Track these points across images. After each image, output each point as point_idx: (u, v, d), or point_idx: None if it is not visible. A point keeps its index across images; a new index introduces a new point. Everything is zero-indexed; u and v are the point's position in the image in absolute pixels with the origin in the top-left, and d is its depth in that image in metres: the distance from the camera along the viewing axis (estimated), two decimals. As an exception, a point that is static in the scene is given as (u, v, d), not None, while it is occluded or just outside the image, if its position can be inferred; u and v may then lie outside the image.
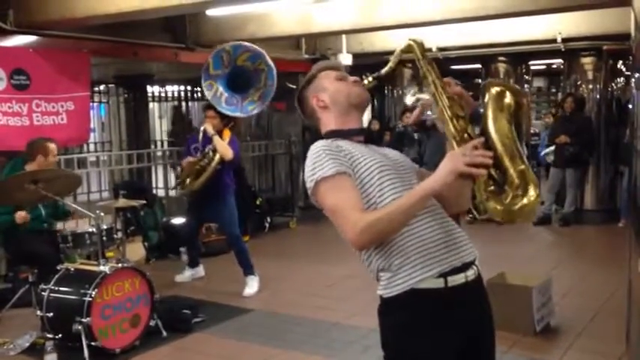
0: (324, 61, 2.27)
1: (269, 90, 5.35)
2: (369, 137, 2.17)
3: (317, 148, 2.01)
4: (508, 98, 1.92)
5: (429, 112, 5.53)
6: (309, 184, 1.97)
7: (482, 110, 1.94)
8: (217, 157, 5.50)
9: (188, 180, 5.71)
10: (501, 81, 2.04)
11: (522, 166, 1.85)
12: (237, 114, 5.46)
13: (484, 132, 1.90)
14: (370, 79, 2.15)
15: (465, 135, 1.90)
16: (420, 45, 2.06)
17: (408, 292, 1.91)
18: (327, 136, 2.12)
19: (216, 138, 5.48)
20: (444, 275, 1.89)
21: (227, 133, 5.58)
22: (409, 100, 5.85)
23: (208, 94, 5.32)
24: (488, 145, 1.86)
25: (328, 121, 2.16)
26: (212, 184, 5.59)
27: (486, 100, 1.93)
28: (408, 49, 2.06)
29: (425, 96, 5.88)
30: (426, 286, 1.90)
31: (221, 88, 5.31)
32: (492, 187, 1.84)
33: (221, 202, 5.69)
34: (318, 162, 1.96)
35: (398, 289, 1.92)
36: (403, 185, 1.99)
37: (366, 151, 2.03)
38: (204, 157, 5.58)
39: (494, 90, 1.94)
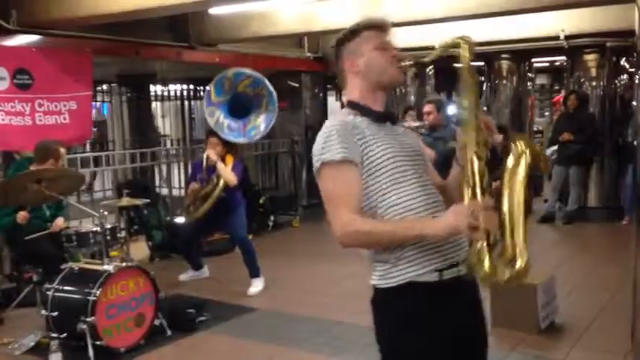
0: (372, 18, 2.15)
1: (271, 115, 5.38)
2: (390, 116, 2.11)
3: (332, 125, 1.97)
4: (528, 158, 1.88)
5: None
6: (315, 163, 1.95)
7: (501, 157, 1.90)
8: (222, 183, 5.49)
9: (192, 208, 5.71)
10: (527, 139, 2.02)
11: (521, 239, 1.84)
12: (241, 140, 5.48)
13: (498, 191, 1.87)
14: (411, 62, 2.10)
15: (480, 184, 1.85)
16: (471, 46, 1.97)
17: (404, 285, 1.92)
18: (348, 105, 2.09)
19: (219, 165, 5.47)
20: (440, 270, 1.91)
21: (230, 159, 5.57)
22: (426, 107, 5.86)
23: (211, 122, 5.34)
24: (497, 206, 1.84)
25: (354, 89, 2.10)
26: (222, 205, 5.59)
27: (510, 156, 1.89)
28: (457, 46, 1.98)
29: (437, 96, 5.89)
30: (422, 280, 1.91)
31: (222, 116, 5.32)
32: (487, 254, 1.81)
33: (232, 215, 5.70)
34: (329, 142, 1.92)
35: (394, 281, 1.93)
36: (415, 176, 1.98)
37: (383, 135, 2.00)
38: (208, 183, 5.57)
39: (520, 147, 1.89)
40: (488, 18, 6.75)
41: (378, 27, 2.12)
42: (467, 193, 1.86)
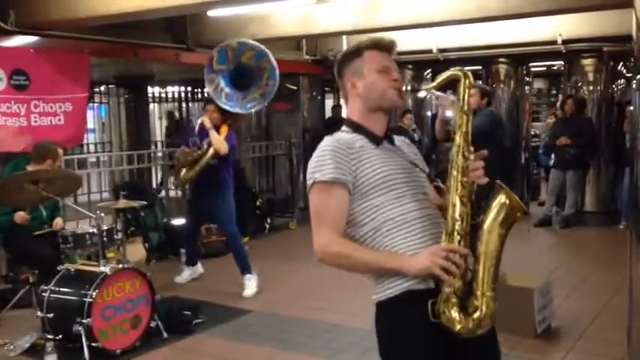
0: (376, 38, 2.12)
1: (270, 89, 5.35)
2: (388, 137, 2.11)
3: (327, 144, 1.99)
4: (511, 211, 1.93)
5: (448, 114, 5.54)
6: (308, 180, 1.99)
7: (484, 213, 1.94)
8: (211, 150, 5.50)
9: (183, 171, 5.74)
10: (512, 193, 2.04)
11: (489, 294, 1.87)
12: (237, 110, 5.46)
13: (477, 239, 1.91)
14: (409, 88, 2.11)
15: (460, 230, 1.89)
16: (470, 80, 2.01)
17: (399, 296, 1.93)
18: (347, 123, 2.10)
19: (212, 132, 5.49)
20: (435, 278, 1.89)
21: (224, 129, 5.57)
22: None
23: (209, 88, 5.32)
24: (474, 255, 1.89)
25: (354, 109, 2.12)
26: (210, 179, 5.60)
27: (493, 205, 1.94)
28: (457, 78, 2.01)
29: (441, 94, 5.72)
30: (417, 288, 1.91)
31: (222, 83, 5.31)
32: (454, 300, 1.85)
33: (219, 199, 5.69)
34: (321, 161, 1.96)
35: (389, 293, 1.94)
36: (410, 194, 1.99)
37: (378, 154, 2.01)
38: (198, 148, 5.59)
39: (504, 198, 1.94)
40: (486, 22, 6.76)
41: (382, 48, 2.11)
42: (444, 237, 1.90)
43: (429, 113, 10.53)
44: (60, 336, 4.12)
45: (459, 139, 1.98)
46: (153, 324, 4.45)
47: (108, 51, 6.87)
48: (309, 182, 1.98)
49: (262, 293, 5.66)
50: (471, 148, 1.97)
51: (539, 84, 16.48)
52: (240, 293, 5.58)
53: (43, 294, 4.24)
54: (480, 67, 9.92)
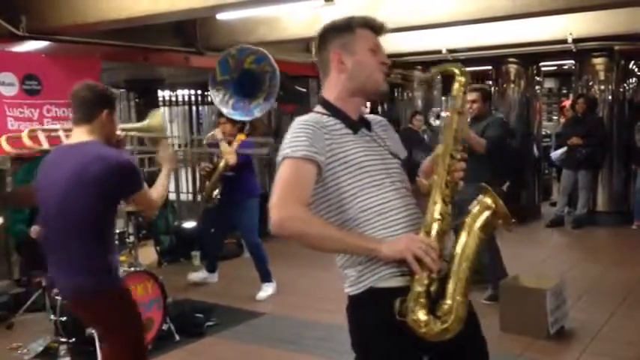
0: (369, 16, 2.04)
1: (273, 91, 5.36)
2: (364, 122, 2.04)
3: (302, 121, 1.93)
4: (494, 216, 1.88)
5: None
6: (279, 155, 1.92)
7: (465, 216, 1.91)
8: (222, 162, 5.53)
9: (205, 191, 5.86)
10: (498, 197, 1.97)
11: (459, 298, 1.81)
12: (245, 118, 5.48)
13: (455, 241, 1.87)
14: (400, 75, 2.03)
15: (437, 228, 1.85)
16: (467, 77, 1.96)
17: (373, 290, 1.89)
18: (323, 104, 2.02)
19: (221, 143, 5.51)
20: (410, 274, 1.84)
21: (238, 139, 5.60)
22: (433, 121, 5.59)
23: (216, 100, 5.35)
24: (450, 258, 1.85)
25: (333, 87, 2.02)
26: (232, 189, 5.63)
27: (476, 207, 1.90)
28: (452, 73, 1.97)
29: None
30: (390, 285, 1.87)
31: (228, 94, 5.33)
32: (424, 300, 1.79)
33: (241, 209, 5.71)
34: (295, 138, 1.89)
35: (363, 287, 1.91)
36: (387, 182, 1.94)
37: (353, 139, 1.95)
38: (211, 162, 5.64)
39: (489, 201, 1.89)
40: (495, 22, 6.73)
41: (374, 27, 2.03)
42: (422, 232, 1.85)
43: (437, 123, 10.50)
44: (73, 339, 4.15)
45: (448, 138, 1.93)
46: (165, 327, 4.47)
47: (118, 55, 6.90)
48: (279, 158, 1.90)
49: (274, 296, 5.66)
50: (460, 147, 1.93)
51: (549, 84, 16.39)
52: (252, 296, 5.59)
53: (56, 297, 4.26)
54: (490, 67, 9.89)
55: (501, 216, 1.88)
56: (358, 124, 2.00)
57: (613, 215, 8.68)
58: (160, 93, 12.29)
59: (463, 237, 1.86)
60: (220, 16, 6.65)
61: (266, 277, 5.71)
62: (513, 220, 1.90)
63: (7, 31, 5.54)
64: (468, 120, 5.15)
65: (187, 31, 7.40)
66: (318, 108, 2.02)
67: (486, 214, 1.88)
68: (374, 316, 1.90)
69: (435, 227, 1.84)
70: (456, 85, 1.96)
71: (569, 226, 8.39)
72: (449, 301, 1.80)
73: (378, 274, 1.88)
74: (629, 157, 8.51)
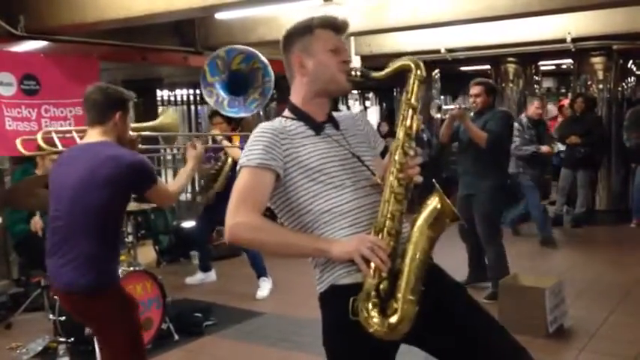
0: (327, 16, 2.03)
1: (267, 86, 5.37)
2: (331, 120, 2.04)
3: (261, 129, 1.96)
4: (440, 215, 1.85)
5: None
6: (239, 163, 1.95)
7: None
8: (230, 159, 5.54)
9: (206, 189, 5.85)
10: (445, 197, 1.95)
11: (410, 297, 1.79)
12: (242, 114, 5.48)
13: (407, 240, 1.85)
14: (359, 73, 2.00)
15: (389, 226, 1.83)
16: (421, 71, 1.93)
17: (334, 287, 1.91)
18: (290, 108, 2.05)
19: (225, 142, 5.51)
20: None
21: (237, 138, 5.61)
22: (433, 113, 5.50)
23: (210, 101, 5.36)
24: (401, 256, 1.83)
25: (298, 91, 2.04)
26: (228, 188, 5.62)
27: (426, 206, 1.87)
28: (408, 68, 1.94)
29: (451, 106, 5.52)
30: (349, 282, 1.88)
31: (221, 94, 5.34)
32: (375, 300, 1.79)
33: None
34: (251, 147, 1.93)
35: (325, 285, 1.96)
36: (349, 182, 1.93)
37: (316, 142, 1.96)
38: (217, 161, 5.63)
39: (436, 201, 1.86)
40: (494, 21, 6.73)
41: (335, 27, 2.03)
42: (372, 234, 1.84)
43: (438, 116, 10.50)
44: (72, 339, 4.14)
45: (401, 133, 1.90)
46: (164, 326, 4.47)
47: (117, 55, 6.90)
48: (238, 166, 1.95)
49: (273, 295, 5.66)
50: (413, 144, 1.90)
51: (548, 83, 16.40)
52: (252, 295, 5.59)
53: (55, 297, 4.25)
54: (489, 67, 9.90)
55: (448, 215, 1.86)
56: (321, 126, 2.01)
57: (612, 214, 8.69)
58: (158, 93, 12.30)
59: (414, 236, 1.85)
60: (219, 16, 6.65)
61: (262, 272, 5.70)
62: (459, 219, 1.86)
63: (5, 31, 5.54)
64: (472, 114, 5.15)
65: (186, 30, 7.40)
66: (286, 112, 2.05)
67: (434, 213, 1.86)
68: (335, 314, 1.92)
69: (387, 226, 1.83)
70: (410, 80, 1.94)
71: (568, 225, 8.39)
72: (399, 301, 1.79)
73: (336, 272, 1.91)
74: (628, 155, 8.52)
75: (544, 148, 7.07)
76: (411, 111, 1.91)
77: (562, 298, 4.55)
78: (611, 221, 8.50)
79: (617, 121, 8.75)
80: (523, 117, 7.24)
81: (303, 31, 2.01)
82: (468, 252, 5.47)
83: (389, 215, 1.84)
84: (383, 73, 1.98)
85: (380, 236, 1.83)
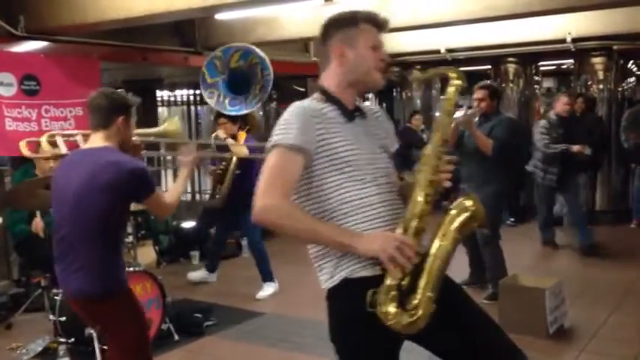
0: (373, 12, 2.06)
1: (267, 79, 5.37)
2: (359, 110, 2.07)
3: (297, 107, 1.96)
4: (471, 219, 1.90)
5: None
6: (270, 142, 1.94)
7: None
8: (235, 158, 5.54)
9: (216, 190, 5.85)
10: (477, 200, 2.00)
11: (429, 294, 1.83)
12: (245, 111, 5.49)
13: (430, 239, 1.89)
14: (396, 73, 2.09)
15: (416, 226, 1.87)
16: (462, 81, 1.99)
17: (348, 280, 1.91)
18: (321, 91, 2.05)
19: (228, 141, 5.52)
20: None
21: (242, 136, 5.63)
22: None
23: (211, 102, 5.37)
24: (423, 256, 1.86)
25: (332, 76, 2.05)
26: (236, 189, 5.62)
27: (455, 208, 1.92)
28: (449, 76, 1.99)
29: (459, 113, 5.47)
30: (365, 274, 1.89)
31: (222, 94, 5.34)
32: (395, 293, 1.82)
33: (246, 211, 5.69)
34: (287, 126, 1.92)
35: (338, 278, 1.94)
36: (373, 176, 1.96)
37: (346, 130, 1.97)
38: (222, 161, 5.64)
39: (469, 203, 1.91)
40: (495, 21, 6.73)
41: (377, 24, 2.06)
42: (399, 230, 1.87)
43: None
44: (72, 339, 4.14)
45: (437, 138, 1.95)
46: (164, 326, 4.47)
47: (117, 55, 6.90)
48: (269, 145, 1.93)
49: (274, 295, 5.66)
50: (445, 150, 1.95)
51: (548, 83, 16.39)
52: (252, 295, 5.59)
53: (55, 298, 4.26)
54: (489, 67, 9.89)
55: (478, 219, 1.91)
56: (353, 114, 2.03)
57: (612, 214, 8.69)
58: (158, 93, 12.29)
59: (440, 236, 1.89)
60: (219, 16, 6.65)
61: (267, 277, 5.71)
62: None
63: (5, 31, 5.54)
64: (476, 119, 5.14)
65: (186, 31, 7.40)
66: (316, 95, 2.05)
67: (464, 216, 1.90)
68: (350, 306, 1.92)
69: (414, 224, 1.87)
70: (451, 89, 1.99)
71: (568, 225, 8.38)
72: (419, 297, 1.83)
73: (351, 267, 1.91)
74: (628, 155, 8.52)
75: (575, 148, 6.55)
76: (447, 120, 1.97)
77: (562, 298, 4.55)
78: (611, 221, 8.50)
79: (617, 122, 8.73)
80: (552, 114, 6.80)
81: (348, 22, 2.03)
82: (468, 254, 5.47)
83: (417, 214, 1.88)
84: (423, 76, 2.06)
85: (405, 233, 1.86)
